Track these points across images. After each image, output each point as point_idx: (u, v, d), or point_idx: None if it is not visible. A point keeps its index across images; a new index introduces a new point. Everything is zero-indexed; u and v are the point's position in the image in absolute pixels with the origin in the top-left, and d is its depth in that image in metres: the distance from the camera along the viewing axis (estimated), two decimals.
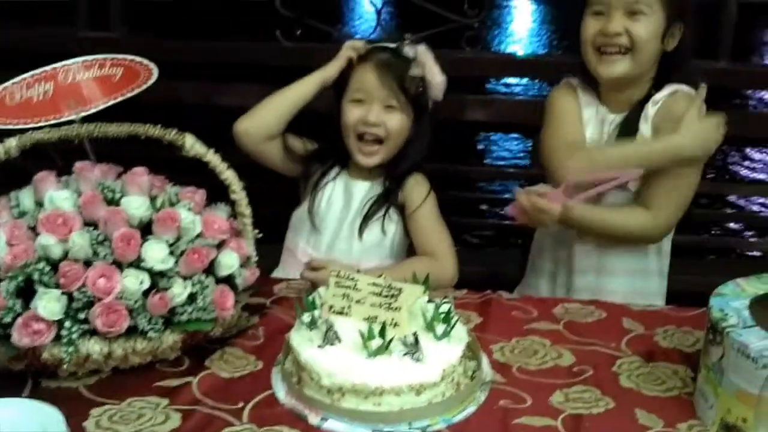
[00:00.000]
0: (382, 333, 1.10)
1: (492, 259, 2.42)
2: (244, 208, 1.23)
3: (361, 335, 1.09)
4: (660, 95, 1.53)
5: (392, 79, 1.48)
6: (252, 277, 1.24)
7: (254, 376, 1.19)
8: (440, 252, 1.60)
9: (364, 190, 1.60)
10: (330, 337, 1.12)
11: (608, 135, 1.58)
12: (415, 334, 1.09)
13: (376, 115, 1.49)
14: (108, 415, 1.08)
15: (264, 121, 1.54)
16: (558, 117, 1.62)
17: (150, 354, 1.15)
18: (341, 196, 1.60)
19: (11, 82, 1.16)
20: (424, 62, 1.48)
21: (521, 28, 11.60)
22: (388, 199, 1.57)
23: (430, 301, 1.20)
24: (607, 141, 1.58)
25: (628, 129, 1.54)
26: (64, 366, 1.09)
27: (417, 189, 1.57)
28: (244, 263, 1.23)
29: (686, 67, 1.56)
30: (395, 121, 1.51)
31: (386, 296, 1.17)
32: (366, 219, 1.55)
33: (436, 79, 1.51)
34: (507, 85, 6.28)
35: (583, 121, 1.61)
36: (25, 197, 1.18)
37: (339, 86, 1.56)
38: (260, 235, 1.36)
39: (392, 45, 1.51)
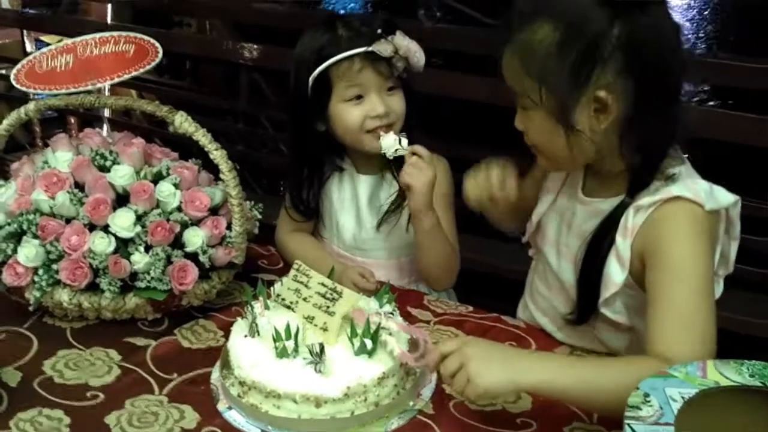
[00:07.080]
0: (297, 336, 1.08)
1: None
2: (232, 188, 1.26)
3: (273, 334, 1.08)
4: (645, 200, 1.08)
5: (382, 65, 1.36)
6: (226, 256, 1.27)
7: (207, 352, 1.23)
8: (456, 246, 1.48)
9: (369, 184, 1.51)
10: (253, 329, 1.12)
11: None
12: (321, 344, 1.05)
13: (382, 103, 1.39)
14: (69, 358, 1.20)
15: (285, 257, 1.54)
16: None
17: (115, 312, 1.25)
18: (350, 193, 1.52)
19: (40, 52, 1.30)
20: (406, 54, 1.34)
21: None
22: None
23: (377, 313, 1.14)
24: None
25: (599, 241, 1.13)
26: (30, 308, 1.23)
27: (439, 170, 1.42)
28: (218, 243, 1.27)
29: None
30: (398, 102, 1.40)
31: (328, 299, 1.14)
32: (386, 215, 1.49)
33: (419, 63, 1.37)
34: None
35: None
36: (50, 156, 1.33)
37: (317, 97, 1.42)
38: (259, 216, 1.39)
39: (364, 50, 1.34)
